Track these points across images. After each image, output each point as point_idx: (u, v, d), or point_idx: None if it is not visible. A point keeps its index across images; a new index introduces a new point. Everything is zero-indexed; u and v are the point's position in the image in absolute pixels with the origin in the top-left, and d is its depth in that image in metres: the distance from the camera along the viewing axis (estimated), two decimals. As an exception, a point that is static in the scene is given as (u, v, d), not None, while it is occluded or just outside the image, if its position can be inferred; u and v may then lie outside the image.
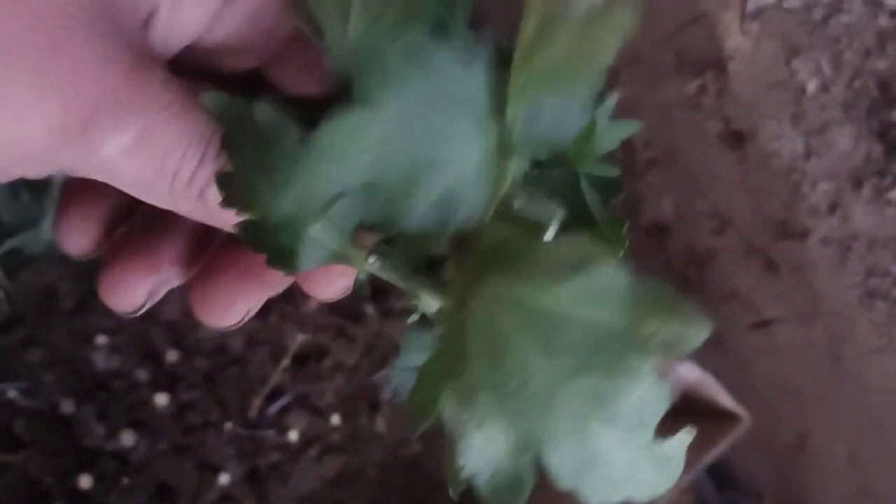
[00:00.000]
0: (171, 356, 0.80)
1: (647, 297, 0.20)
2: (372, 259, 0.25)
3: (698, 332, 0.20)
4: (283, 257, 0.24)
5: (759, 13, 0.69)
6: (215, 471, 0.81)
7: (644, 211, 0.84)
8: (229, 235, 0.26)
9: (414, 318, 0.26)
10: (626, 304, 0.20)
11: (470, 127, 0.23)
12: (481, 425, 0.21)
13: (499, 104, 0.23)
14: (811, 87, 0.71)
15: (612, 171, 0.27)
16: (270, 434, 0.83)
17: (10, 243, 0.65)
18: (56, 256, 0.74)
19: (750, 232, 0.81)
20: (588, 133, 0.25)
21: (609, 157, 0.27)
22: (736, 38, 0.70)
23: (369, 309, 0.87)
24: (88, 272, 0.77)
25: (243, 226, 0.24)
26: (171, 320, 0.81)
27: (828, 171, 0.72)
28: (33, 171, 0.23)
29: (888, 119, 0.67)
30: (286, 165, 0.23)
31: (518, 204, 0.25)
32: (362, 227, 0.24)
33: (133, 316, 0.28)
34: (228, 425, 0.81)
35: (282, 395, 0.84)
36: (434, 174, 0.23)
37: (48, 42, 0.21)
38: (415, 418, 0.23)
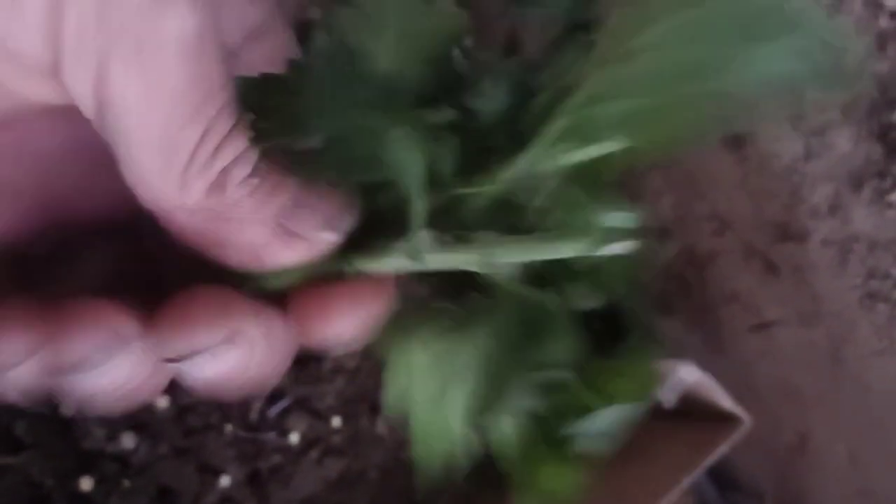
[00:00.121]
0: (172, 359, 0.80)
1: None
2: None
3: None
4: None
5: (758, 15, 0.69)
6: (216, 473, 0.81)
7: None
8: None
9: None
10: None
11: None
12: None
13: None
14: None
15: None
16: (271, 436, 0.83)
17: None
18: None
19: (750, 234, 0.81)
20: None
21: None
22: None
23: (370, 311, 0.87)
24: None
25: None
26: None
27: (828, 172, 0.72)
28: (35, 93, 0.21)
29: (888, 121, 0.68)
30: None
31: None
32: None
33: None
34: (229, 428, 0.81)
35: (282, 397, 0.84)
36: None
37: None
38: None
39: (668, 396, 0.75)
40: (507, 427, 0.24)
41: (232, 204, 0.22)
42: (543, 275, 0.24)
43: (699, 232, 0.84)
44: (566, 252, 0.22)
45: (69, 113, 0.24)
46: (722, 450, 0.80)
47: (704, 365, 0.79)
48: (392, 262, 0.23)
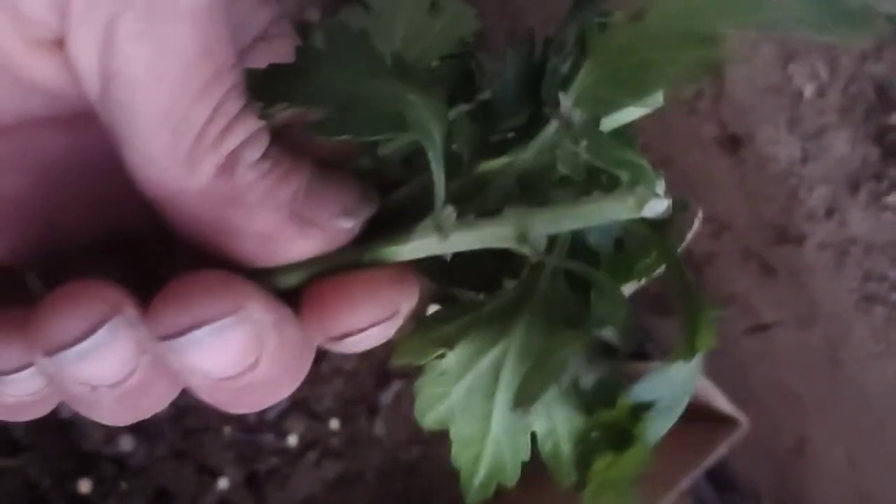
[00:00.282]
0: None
1: None
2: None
3: None
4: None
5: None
6: (214, 475, 0.80)
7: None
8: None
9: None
10: None
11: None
12: None
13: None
14: (808, 91, 0.71)
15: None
16: (269, 438, 0.83)
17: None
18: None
19: (747, 236, 0.81)
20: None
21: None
22: (732, 43, 0.70)
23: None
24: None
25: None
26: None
27: (825, 175, 0.72)
28: (40, 71, 0.20)
29: (885, 123, 0.68)
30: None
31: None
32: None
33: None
34: (227, 429, 0.81)
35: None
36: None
37: None
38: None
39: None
40: (556, 417, 0.22)
41: (242, 187, 0.21)
42: (580, 257, 0.23)
43: (696, 234, 0.84)
44: (610, 214, 0.21)
45: (71, 123, 0.23)
46: (720, 452, 0.80)
47: (702, 367, 0.79)
48: (415, 247, 0.22)
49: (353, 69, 0.22)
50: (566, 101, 0.20)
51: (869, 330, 0.75)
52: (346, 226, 0.22)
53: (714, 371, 0.82)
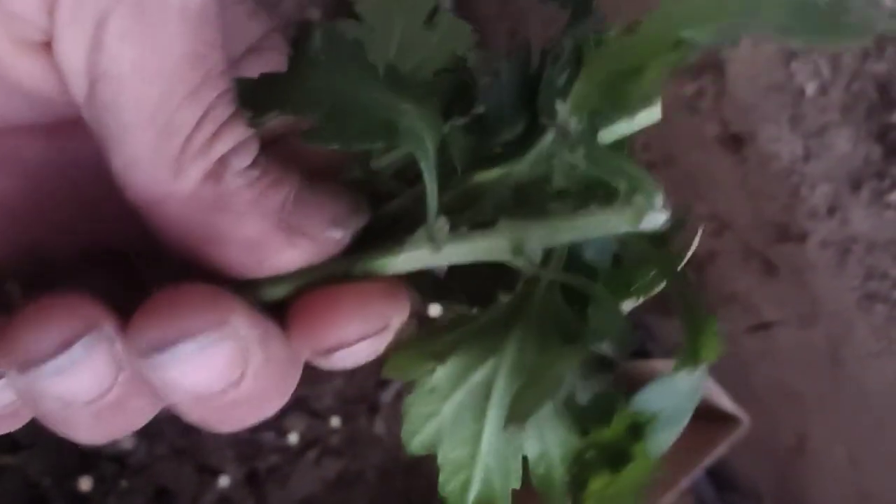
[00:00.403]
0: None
1: None
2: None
3: None
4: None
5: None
6: (214, 473, 0.80)
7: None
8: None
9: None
10: None
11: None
12: None
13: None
14: (810, 89, 0.71)
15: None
16: (269, 436, 0.82)
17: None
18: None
19: (749, 234, 0.81)
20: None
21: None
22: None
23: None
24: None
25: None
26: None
27: (827, 173, 0.72)
28: (27, 72, 0.20)
29: (887, 121, 0.68)
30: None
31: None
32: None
33: None
34: (227, 428, 0.81)
35: (281, 397, 0.84)
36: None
37: None
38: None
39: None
40: (548, 439, 0.22)
41: (229, 194, 0.20)
42: (576, 273, 0.23)
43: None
44: (608, 227, 0.20)
45: (55, 131, 0.23)
46: (720, 450, 0.80)
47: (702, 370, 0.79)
48: (407, 259, 0.22)
49: (345, 78, 0.22)
50: (563, 109, 0.20)
51: (870, 328, 0.75)
52: (336, 236, 0.22)
53: (715, 369, 0.81)
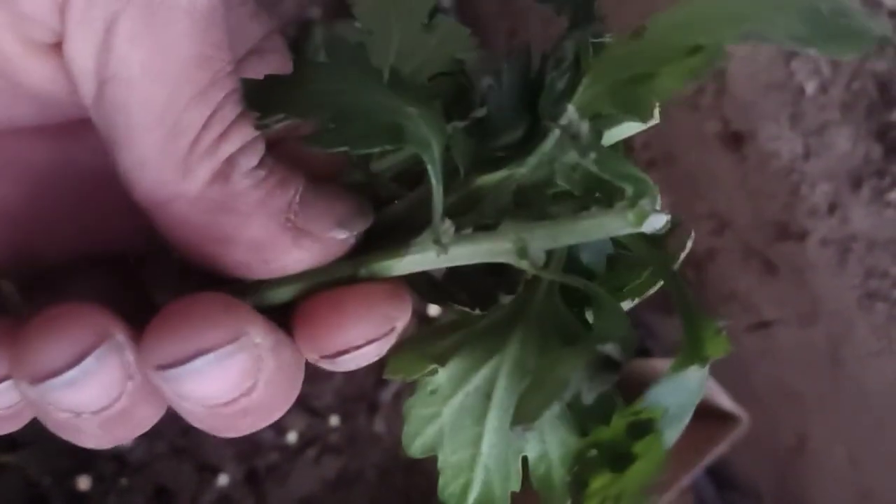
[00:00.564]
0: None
1: None
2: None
3: None
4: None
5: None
6: (214, 472, 0.80)
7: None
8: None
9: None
10: None
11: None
12: None
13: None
14: (810, 87, 0.71)
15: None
16: (269, 435, 0.82)
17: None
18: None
19: (749, 233, 0.80)
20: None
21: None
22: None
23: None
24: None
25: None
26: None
27: (827, 172, 0.72)
28: (35, 74, 0.20)
29: (887, 120, 0.67)
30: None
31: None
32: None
33: None
34: (227, 426, 0.81)
35: (280, 396, 0.84)
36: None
37: None
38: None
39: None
40: (549, 440, 0.22)
41: (236, 194, 0.20)
42: (570, 270, 0.23)
43: (698, 231, 0.83)
44: (610, 229, 0.20)
45: (59, 134, 0.23)
46: (720, 449, 0.80)
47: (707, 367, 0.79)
48: (413, 261, 0.22)
49: (350, 82, 0.22)
50: (573, 113, 0.20)
51: (870, 327, 0.75)
52: (341, 237, 0.22)
53: (715, 368, 0.81)
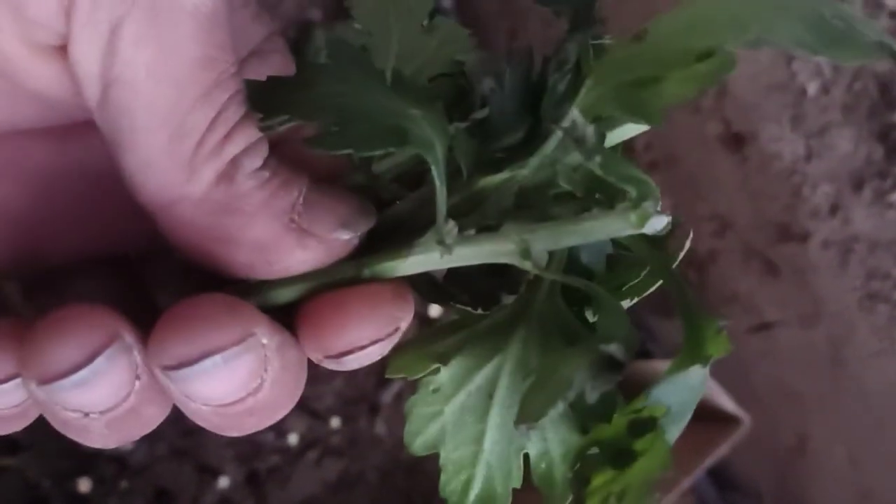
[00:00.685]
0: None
1: None
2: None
3: None
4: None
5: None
6: (214, 474, 0.80)
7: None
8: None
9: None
10: None
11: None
12: None
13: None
14: (811, 89, 0.71)
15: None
16: (269, 437, 0.82)
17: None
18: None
19: (750, 234, 0.80)
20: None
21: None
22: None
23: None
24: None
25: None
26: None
27: (828, 173, 0.72)
28: (40, 77, 0.20)
29: (889, 121, 0.67)
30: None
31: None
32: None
33: None
34: (228, 428, 0.81)
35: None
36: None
37: None
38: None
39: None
40: (550, 438, 0.22)
41: (241, 195, 0.20)
42: (575, 275, 0.23)
43: (699, 233, 0.83)
44: (612, 230, 0.20)
45: (62, 135, 0.23)
46: (722, 450, 0.80)
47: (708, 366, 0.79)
48: (416, 262, 0.22)
49: (353, 84, 0.22)
50: (578, 117, 0.20)
51: (872, 329, 0.75)
52: (345, 237, 0.22)
53: (716, 370, 0.81)
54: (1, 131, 0.22)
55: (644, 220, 0.20)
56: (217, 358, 0.19)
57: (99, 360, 0.19)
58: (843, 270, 0.74)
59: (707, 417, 0.80)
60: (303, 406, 0.84)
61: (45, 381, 0.19)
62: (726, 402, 0.80)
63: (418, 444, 0.22)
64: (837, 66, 0.68)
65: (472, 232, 0.22)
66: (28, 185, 0.23)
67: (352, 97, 0.22)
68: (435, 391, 0.22)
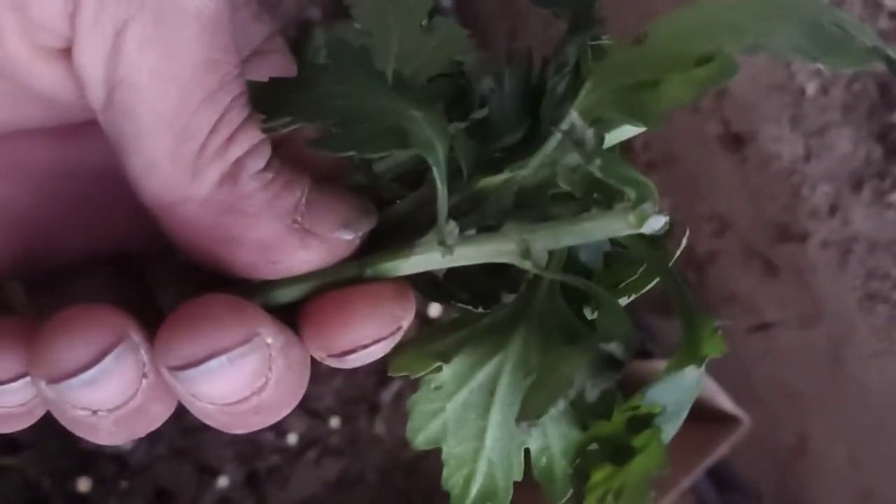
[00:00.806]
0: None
1: None
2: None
3: None
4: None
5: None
6: (214, 474, 0.80)
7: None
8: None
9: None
10: None
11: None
12: None
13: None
14: (811, 89, 0.71)
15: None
16: (269, 436, 0.82)
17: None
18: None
19: (750, 234, 0.80)
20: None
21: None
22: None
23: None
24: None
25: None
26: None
27: (828, 173, 0.72)
28: (44, 78, 0.20)
29: (888, 121, 0.67)
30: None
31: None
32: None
33: None
34: (227, 428, 0.81)
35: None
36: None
37: None
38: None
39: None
40: (551, 433, 0.22)
41: (244, 196, 0.21)
42: (573, 273, 0.23)
43: (699, 232, 0.83)
44: (611, 230, 0.21)
45: (64, 135, 0.23)
46: (721, 451, 0.80)
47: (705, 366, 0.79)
48: (418, 261, 0.22)
49: (354, 85, 0.22)
50: (578, 119, 0.20)
51: (871, 329, 0.75)
52: (347, 237, 0.22)
53: (716, 370, 0.81)
54: (4, 131, 0.23)
55: (642, 220, 0.20)
56: (223, 358, 0.20)
57: (107, 360, 0.19)
58: (842, 270, 0.74)
59: (707, 417, 0.80)
60: (302, 406, 0.84)
61: (54, 379, 0.19)
62: (726, 402, 0.80)
63: (420, 439, 0.23)
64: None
65: (472, 232, 0.22)
66: (31, 185, 0.23)
67: (353, 98, 0.22)
68: (437, 388, 0.23)
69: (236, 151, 0.20)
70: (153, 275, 0.24)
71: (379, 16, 0.26)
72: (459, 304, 0.24)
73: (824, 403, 0.83)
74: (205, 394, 0.20)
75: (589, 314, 0.23)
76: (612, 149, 0.23)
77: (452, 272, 0.23)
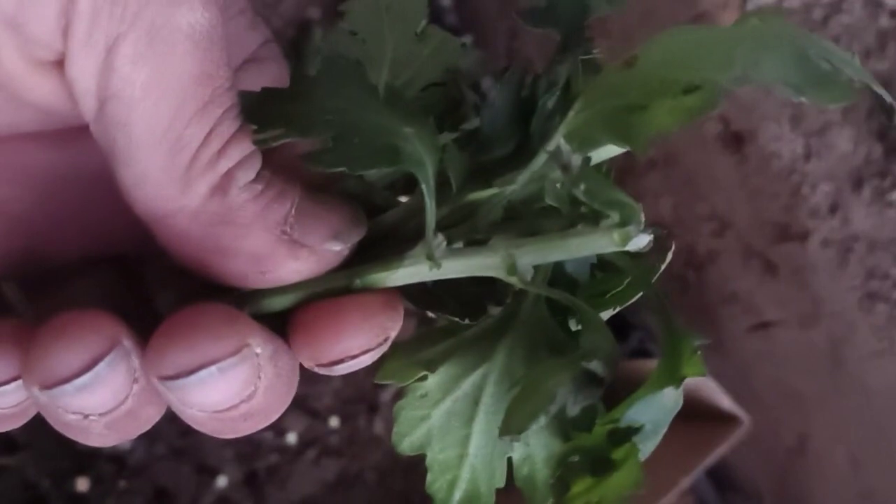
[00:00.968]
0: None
1: None
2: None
3: None
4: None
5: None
6: (213, 474, 0.80)
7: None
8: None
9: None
10: None
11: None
12: None
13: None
14: (811, 88, 0.70)
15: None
16: (268, 436, 0.82)
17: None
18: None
19: (749, 234, 0.80)
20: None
21: (609, 161, 0.27)
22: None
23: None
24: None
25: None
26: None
27: (828, 172, 0.72)
28: (38, 91, 0.20)
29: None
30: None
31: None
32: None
33: None
34: (226, 428, 0.81)
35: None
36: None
37: None
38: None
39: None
40: (533, 442, 0.23)
41: (235, 207, 0.21)
42: (559, 284, 0.23)
43: (699, 232, 0.83)
44: (596, 247, 0.21)
45: (61, 139, 0.24)
46: (721, 451, 0.80)
47: (704, 365, 0.79)
48: (406, 273, 0.23)
49: (347, 99, 0.22)
50: (564, 144, 0.20)
51: (871, 328, 0.75)
52: (336, 248, 0.22)
53: (716, 369, 0.81)
54: (1, 135, 0.23)
55: (626, 239, 0.21)
56: (213, 368, 0.20)
57: (100, 366, 0.20)
58: (842, 270, 0.74)
59: (706, 417, 0.80)
60: (301, 405, 0.84)
61: (47, 385, 0.19)
62: (726, 402, 0.80)
63: (405, 444, 0.23)
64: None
65: (460, 245, 0.23)
66: (28, 187, 0.24)
67: (346, 114, 0.22)
68: (423, 396, 0.23)
69: (227, 163, 0.21)
70: (150, 276, 0.24)
71: (374, 23, 0.26)
72: (447, 316, 0.24)
73: (824, 403, 0.83)
74: (195, 402, 0.20)
75: (574, 325, 0.24)
76: (599, 166, 0.23)
77: (441, 281, 0.24)
